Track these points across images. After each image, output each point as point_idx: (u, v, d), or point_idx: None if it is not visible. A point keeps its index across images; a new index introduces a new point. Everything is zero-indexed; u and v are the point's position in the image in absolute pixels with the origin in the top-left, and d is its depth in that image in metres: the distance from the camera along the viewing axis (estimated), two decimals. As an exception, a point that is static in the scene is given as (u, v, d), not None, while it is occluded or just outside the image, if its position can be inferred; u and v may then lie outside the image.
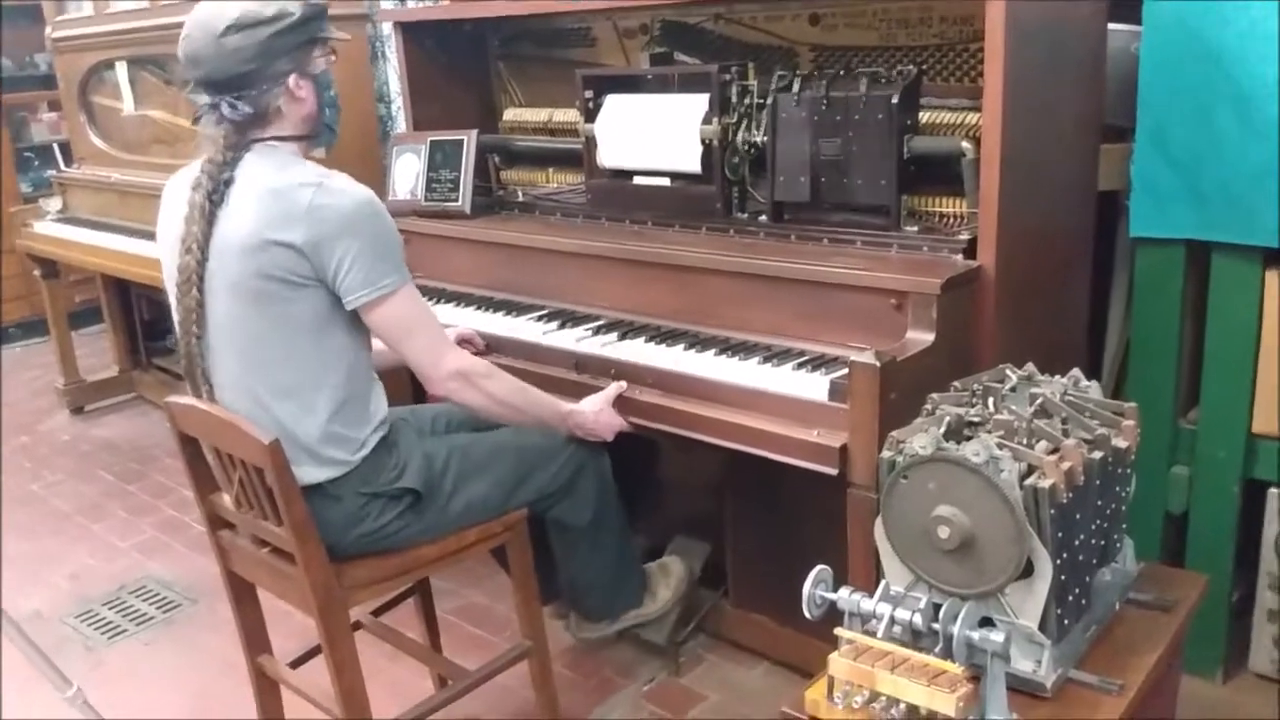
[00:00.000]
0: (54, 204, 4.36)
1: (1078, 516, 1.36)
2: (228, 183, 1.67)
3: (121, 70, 3.90)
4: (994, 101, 1.78)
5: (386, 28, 3.42)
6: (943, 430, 1.36)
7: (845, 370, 1.78)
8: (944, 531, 1.32)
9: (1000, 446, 1.30)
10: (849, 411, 1.69)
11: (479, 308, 2.42)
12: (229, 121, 1.67)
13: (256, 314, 1.65)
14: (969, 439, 1.35)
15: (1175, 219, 2.08)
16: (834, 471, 1.70)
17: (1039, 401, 1.42)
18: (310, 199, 1.62)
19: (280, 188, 1.64)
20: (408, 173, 2.71)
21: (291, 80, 1.69)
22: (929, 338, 1.77)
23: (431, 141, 2.68)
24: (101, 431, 4.28)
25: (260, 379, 1.68)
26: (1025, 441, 1.35)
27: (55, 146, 4.89)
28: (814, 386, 1.79)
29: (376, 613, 2.17)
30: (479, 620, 2.69)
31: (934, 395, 1.54)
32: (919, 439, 1.33)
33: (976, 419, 1.40)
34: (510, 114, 2.87)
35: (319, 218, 1.62)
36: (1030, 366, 1.57)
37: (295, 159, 1.71)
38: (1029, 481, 1.30)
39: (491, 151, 2.87)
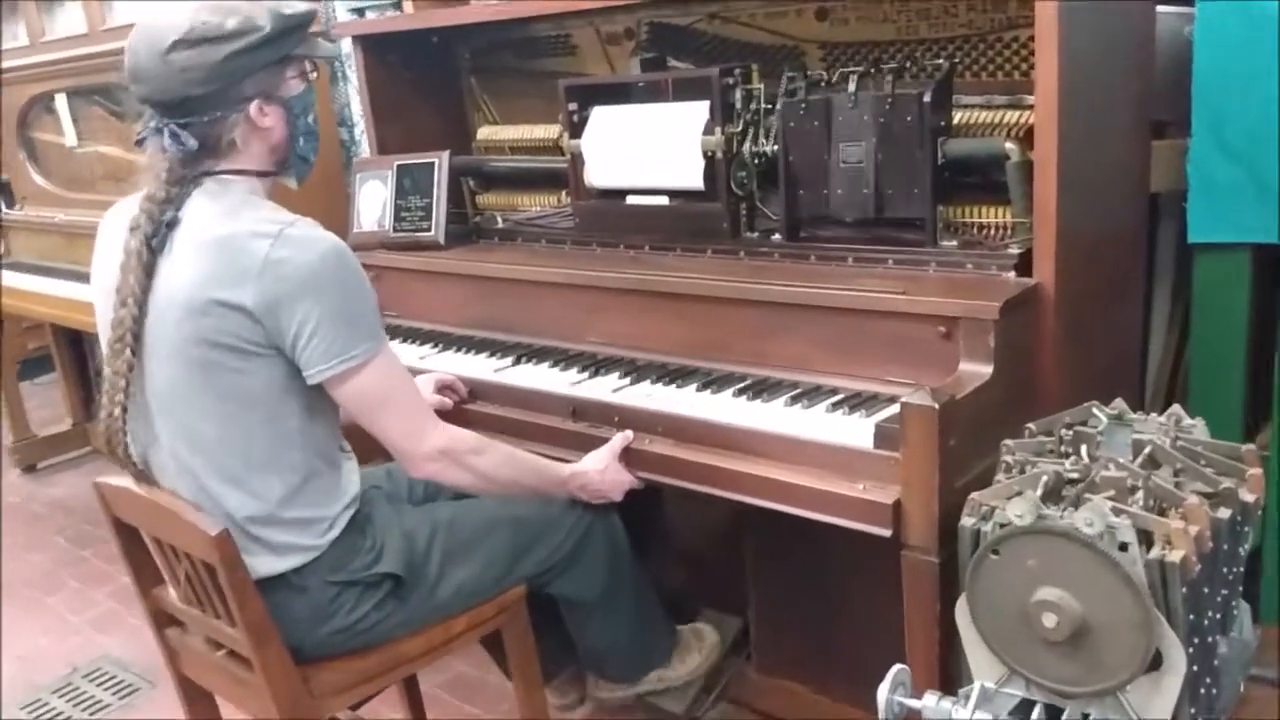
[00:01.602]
0: (-7, 249, 4.06)
1: (1206, 590, 1.11)
2: (170, 225, 1.40)
3: (62, 102, 3.62)
4: (1048, 96, 1.54)
5: (346, 45, 3.16)
6: (1041, 492, 1.11)
7: (891, 411, 1.54)
8: (1049, 619, 1.07)
9: (1116, 512, 1.06)
10: (902, 461, 1.44)
11: (459, 349, 2.16)
12: (173, 152, 1.40)
13: (199, 386, 1.39)
14: (1070, 500, 1.10)
15: (1239, 221, 1.85)
16: (887, 532, 1.45)
17: (1147, 450, 1.18)
18: (265, 252, 1.36)
19: (229, 237, 1.38)
20: (373, 201, 2.45)
21: (254, 108, 1.43)
22: (986, 370, 1.52)
23: (399, 166, 2.42)
24: (54, 491, 3.98)
25: (203, 461, 1.42)
26: (1142, 503, 1.10)
27: (-4, 187, 4.59)
28: (855, 431, 1.54)
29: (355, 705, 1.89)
30: (469, 695, 2.41)
31: (1009, 442, 1.30)
32: (1015, 505, 1.08)
33: (1076, 475, 1.16)
34: (484, 132, 2.62)
35: (276, 275, 1.36)
36: (1120, 403, 1.32)
37: (251, 200, 1.45)
38: (1154, 555, 1.05)
39: (465, 174, 2.62)
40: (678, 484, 1.70)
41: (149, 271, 1.39)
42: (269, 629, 1.37)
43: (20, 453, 4.17)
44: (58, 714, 2.56)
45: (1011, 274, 1.65)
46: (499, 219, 2.45)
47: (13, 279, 3.77)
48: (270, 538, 1.43)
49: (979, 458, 1.50)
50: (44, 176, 3.90)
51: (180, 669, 1.61)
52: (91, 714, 2.55)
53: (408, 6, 2.51)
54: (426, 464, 1.50)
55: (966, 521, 1.15)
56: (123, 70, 1.43)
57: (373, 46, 2.52)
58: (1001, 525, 1.09)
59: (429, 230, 2.36)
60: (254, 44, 1.39)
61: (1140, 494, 1.10)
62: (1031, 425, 1.32)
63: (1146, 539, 1.07)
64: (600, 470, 1.69)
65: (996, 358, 1.53)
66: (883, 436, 1.49)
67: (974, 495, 1.16)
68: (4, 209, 4.16)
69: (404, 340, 2.25)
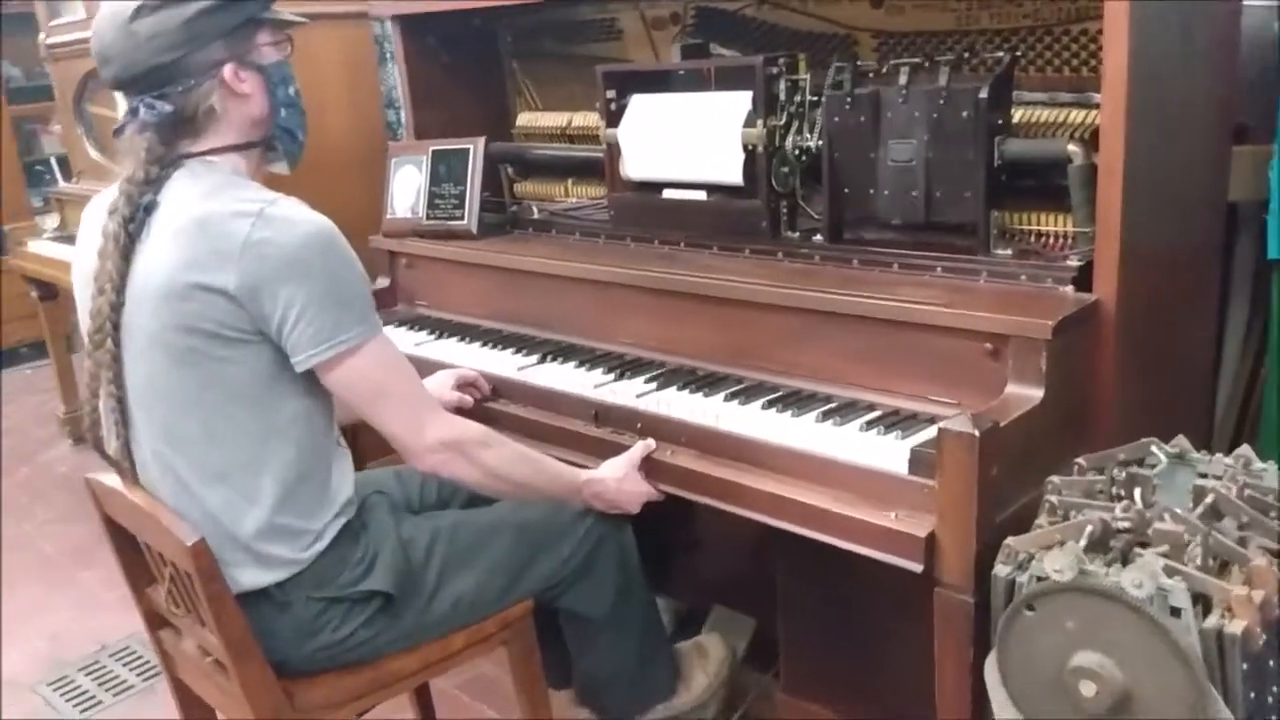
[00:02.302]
0: (51, 221, 4.09)
1: (1271, 664, 0.99)
2: (149, 208, 1.34)
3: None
4: (1116, 94, 1.41)
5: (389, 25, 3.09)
6: (1086, 543, 0.99)
7: (929, 433, 1.42)
8: (1088, 688, 0.95)
9: (1169, 572, 0.93)
10: (938, 491, 1.32)
11: (484, 343, 2.08)
12: (151, 128, 1.34)
13: (181, 377, 1.33)
14: (1118, 553, 0.98)
15: (1327, 236, 1.69)
16: (918, 568, 1.33)
17: (1209, 499, 1.05)
18: (247, 232, 1.29)
19: (208, 217, 1.31)
20: (407, 187, 2.37)
21: (228, 71, 1.36)
22: (1036, 394, 1.40)
23: (434, 151, 2.34)
24: (103, 462, 4.00)
25: (186, 459, 1.35)
26: (1200, 561, 0.97)
27: (53, 160, 4.64)
28: (889, 454, 1.42)
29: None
30: (485, 693, 2.33)
31: (1054, 479, 1.17)
32: (1055, 557, 0.97)
33: (1126, 524, 1.03)
34: (524, 118, 2.53)
35: (257, 255, 1.29)
36: (1182, 441, 1.20)
37: (235, 179, 1.38)
38: (1211, 623, 0.93)
39: (504, 161, 2.54)
40: (698, 499, 1.60)
41: (126, 257, 1.33)
42: (249, 643, 1.30)
43: (71, 424, 4.20)
44: (83, 694, 2.54)
45: (1069, 288, 1.52)
46: (534, 209, 2.36)
47: (65, 251, 3.78)
48: (257, 547, 1.36)
49: (1023, 490, 1.38)
50: (99, 151, 3.90)
51: (174, 672, 1.56)
52: (116, 694, 2.53)
53: (448, -16, 2.41)
54: (429, 455, 1.42)
55: (1001, 570, 1.04)
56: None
57: (412, 27, 2.45)
58: (1039, 579, 0.98)
59: (462, 219, 2.28)
60: (218, 3, 1.34)
61: (1199, 550, 0.98)
62: (1081, 460, 1.20)
63: (1203, 603, 0.94)
64: (618, 479, 1.60)
65: (1048, 381, 1.40)
66: (918, 462, 1.38)
67: (1010, 541, 1.05)
68: (61, 182, 4.19)
69: (430, 332, 2.19)
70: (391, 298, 2.41)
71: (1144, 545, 0.99)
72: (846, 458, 1.46)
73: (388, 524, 1.49)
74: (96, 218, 1.40)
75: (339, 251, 1.35)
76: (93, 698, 2.53)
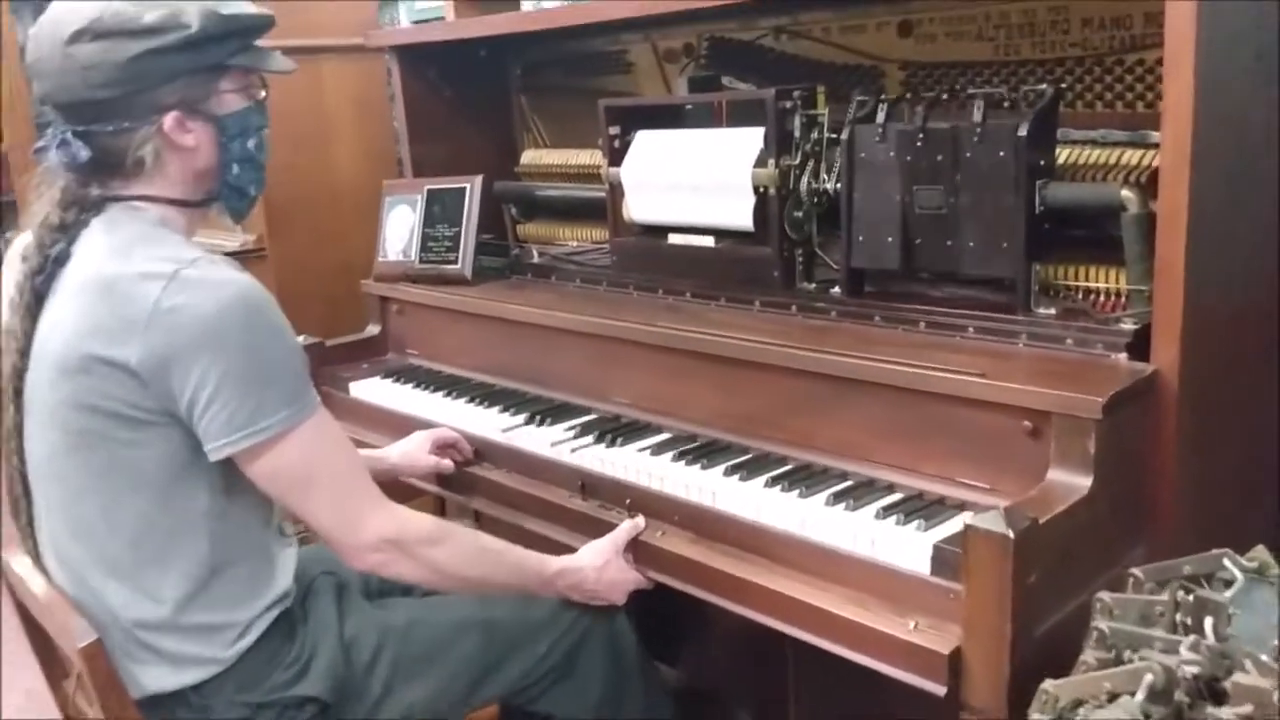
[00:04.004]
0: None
1: None
2: (59, 259, 1.17)
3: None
4: (1179, 131, 1.20)
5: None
6: (1145, 694, 0.78)
7: (956, 524, 1.22)
8: None
9: (1255, 745, 0.72)
10: (964, 598, 1.11)
11: (471, 399, 1.90)
12: (73, 165, 1.18)
13: (79, 460, 1.16)
14: (1184, 708, 0.77)
15: None
16: (940, 690, 1.12)
17: (1303, 636, 0.83)
18: (156, 297, 1.11)
19: (115, 278, 1.14)
20: (400, 228, 2.21)
21: (170, 121, 1.18)
22: (1083, 483, 1.18)
23: (429, 190, 2.18)
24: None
25: (84, 547, 1.18)
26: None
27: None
28: (909, 549, 1.22)
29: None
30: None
31: (1105, 597, 0.96)
32: (1106, 717, 0.75)
33: (1197, 669, 0.82)
34: (529, 156, 2.37)
35: (167, 325, 1.11)
36: (1261, 553, 0.98)
37: (155, 234, 1.20)
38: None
39: (507, 201, 2.37)
40: (690, 590, 1.40)
41: (33, 315, 1.16)
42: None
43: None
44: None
45: (1123, 356, 1.31)
46: (535, 253, 2.18)
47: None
48: (163, 646, 1.18)
49: (1066, 596, 1.17)
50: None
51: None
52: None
53: (449, 14, 2.27)
54: (366, 555, 1.23)
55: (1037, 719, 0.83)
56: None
57: (411, 59, 2.30)
58: (1084, 740, 0.77)
59: (455, 263, 2.11)
60: (174, 44, 1.15)
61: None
62: (1137, 572, 0.99)
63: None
64: (598, 567, 1.40)
65: (1097, 468, 1.19)
66: (942, 562, 1.17)
67: (1048, 685, 0.83)
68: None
69: (418, 385, 2.01)
70: (381, 346, 2.25)
71: (1218, 704, 0.78)
72: (859, 551, 1.26)
73: (330, 616, 1.30)
74: (13, 263, 1.24)
75: (264, 321, 1.16)
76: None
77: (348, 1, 2.92)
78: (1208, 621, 0.89)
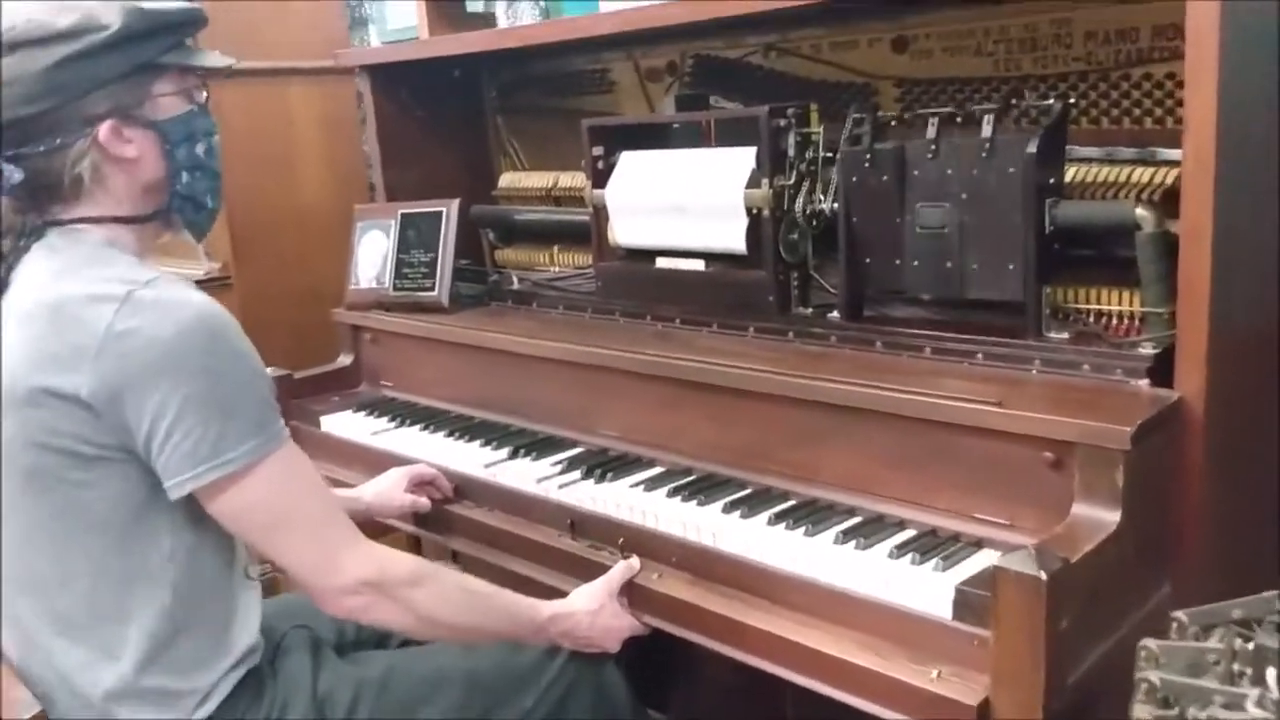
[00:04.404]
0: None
1: None
2: None
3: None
4: (1202, 145, 1.15)
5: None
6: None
7: (976, 563, 1.16)
8: None
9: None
10: (993, 647, 1.04)
11: (450, 433, 1.81)
12: (6, 190, 1.08)
13: (27, 503, 1.06)
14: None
15: None
16: (967, 745, 1.04)
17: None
18: (109, 321, 1.02)
19: (61, 302, 1.04)
20: (374, 254, 2.12)
21: (105, 131, 1.09)
22: (1112, 518, 1.11)
23: (403, 214, 2.09)
24: None
25: (32, 602, 1.08)
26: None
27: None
28: (927, 591, 1.14)
29: None
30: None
31: (1150, 644, 0.89)
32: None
33: (1267, 728, 0.74)
34: (507, 179, 2.28)
35: (120, 350, 1.02)
36: (1319, 593, 0.91)
37: (102, 254, 1.11)
38: None
39: (484, 226, 2.29)
40: (690, 635, 1.31)
41: None
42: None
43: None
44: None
45: (1144, 382, 1.24)
46: (515, 279, 2.10)
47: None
48: (119, 714, 1.07)
49: (1097, 640, 1.10)
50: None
51: None
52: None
53: (423, 34, 2.19)
54: (343, 598, 1.13)
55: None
56: None
57: (383, 79, 2.21)
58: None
59: (432, 290, 2.02)
60: (96, 46, 1.07)
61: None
62: (1181, 616, 0.91)
63: None
64: (591, 611, 1.31)
65: (1126, 501, 1.12)
66: (966, 606, 1.09)
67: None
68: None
69: (392, 419, 1.92)
70: (354, 378, 2.15)
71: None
72: (872, 593, 1.18)
73: (303, 672, 1.20)
74: None
75: (227, 344, 1.07)
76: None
77: (316, 21, 2.84)
78: (1270, 672, 0.81)
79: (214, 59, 1.21)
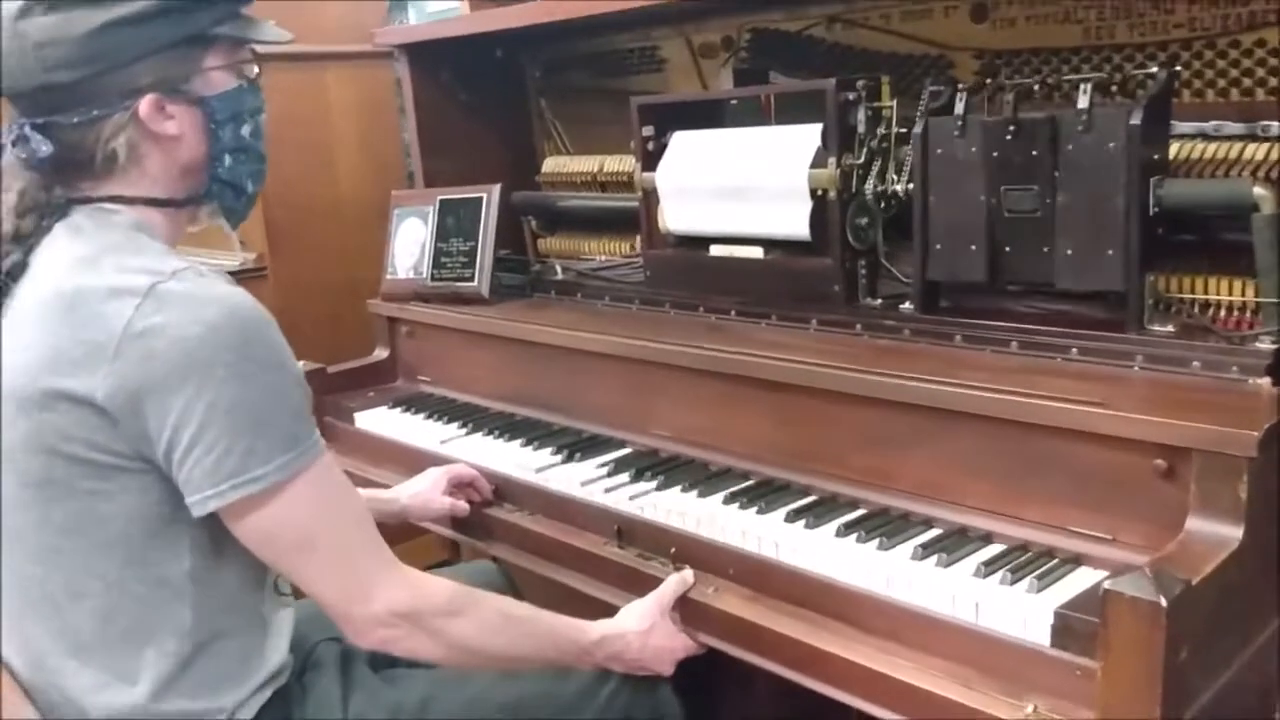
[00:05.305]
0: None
1: None
2: (14, 273, 0.99)
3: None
4: (1341, 113, 1.01)
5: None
6: None
7: (1076, 583, 1.04)
8: None
9: None
10: (1101, 679, 0.91)
11: (490, 432, 1.71)
12: (34, 163, 0.99)
13: (37, 515, 0.97)
14: None
15: None
16: (1072, 793, 0.92)
17: None
18: (129, 318, 0.92)
19: (79, 294, 0.95)
20: (411, 243, 2.03)
21: (146, 105, 0.99)
22: (1234, 534, 0.98)
23: (441, 201, 1.99)
24: None
25: (42, 621, 0.99)
26: None
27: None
28: (1020, 613, 1.01)
29: None
30: None
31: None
32: None
33: None
34: (551, 164, 2.18)
35: (141, 351, 0.92)
36: None
37: (134, 239, 1.01)
38: None
39: (527, 213, 2.19)
40: (749, 658, 1.19)
41: None
42: None
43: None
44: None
45: (1265, 381, 1.11)
46: (558, 269, 1.99)
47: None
48: (133, 740, 0.98)
49: (1215, 673, 0.97)
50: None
51: None
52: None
53: (464, 9, 2.09)
54: (373, 630, 1.02)
55: None
56: None
57: (422, 59, 2.12)
58: None
59: (471, 280, 1.92)
60: (145, 13, 0.97)
61: None
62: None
63: None
64: (642, 632, 1.20)
65: (1249, 515, 0.98)
66: (1067, 632, 0.97)
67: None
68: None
69: (429, 415, 1.82)
70: (390, 372, 2.06)
71: None
72: (958, 615, 1.06)
73: (332, 694, 1.10)
74: None
75: (261, 346, 0.96)
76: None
77: (354, 3, 2.75)
78: None
79: (271, 31, 1.11)
